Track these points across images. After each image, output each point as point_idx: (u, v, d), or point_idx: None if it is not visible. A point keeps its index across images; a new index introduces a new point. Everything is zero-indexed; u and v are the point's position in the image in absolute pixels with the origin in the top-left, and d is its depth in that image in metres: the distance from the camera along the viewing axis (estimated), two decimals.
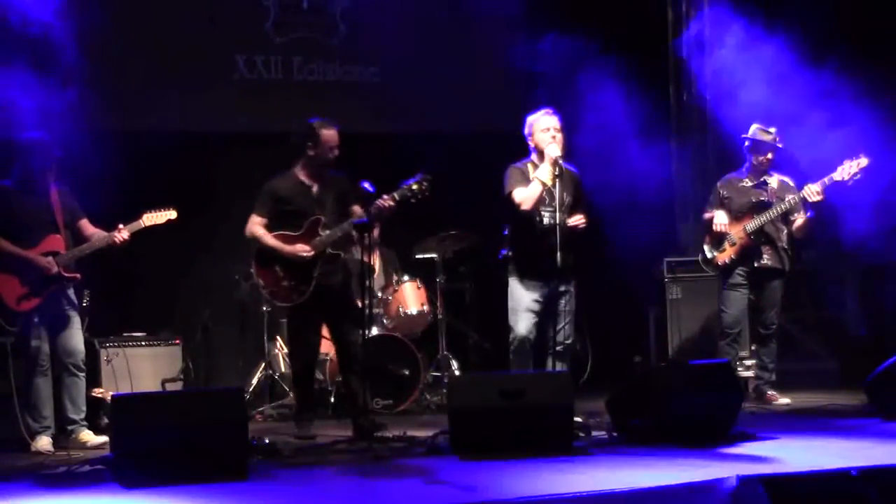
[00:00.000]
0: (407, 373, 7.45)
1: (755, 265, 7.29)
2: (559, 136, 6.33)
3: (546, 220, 6.31)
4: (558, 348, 6.38)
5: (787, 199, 7.15)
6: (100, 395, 6.77)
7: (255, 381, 7.72)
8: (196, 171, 8.24)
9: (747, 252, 7.27)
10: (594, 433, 5.80)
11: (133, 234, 6.29)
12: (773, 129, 7.31)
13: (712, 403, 5.64)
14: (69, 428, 6.22)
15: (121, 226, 6.27)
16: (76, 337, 6.24)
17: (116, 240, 6.24)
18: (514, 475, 4.79)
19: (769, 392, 7.32)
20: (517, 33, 9.30)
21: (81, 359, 6.25)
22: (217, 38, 8.71)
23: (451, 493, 4.58)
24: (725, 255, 7.32)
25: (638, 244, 8.88)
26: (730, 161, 7.92)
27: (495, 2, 9.25)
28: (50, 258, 6.10)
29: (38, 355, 6.09)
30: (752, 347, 7.64)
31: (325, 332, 7.63)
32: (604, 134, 8.78)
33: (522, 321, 6.37)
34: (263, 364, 7.74)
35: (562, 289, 6.35)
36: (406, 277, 7.88)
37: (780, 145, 7.29)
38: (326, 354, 7.58)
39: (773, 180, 7.32)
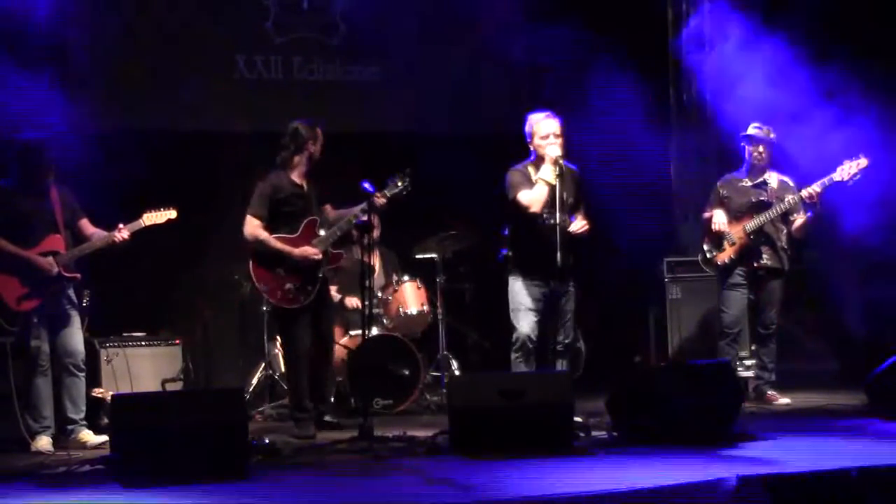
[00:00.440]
0: (407, 373, 7.45)
1: (754, 265, 7.28)
2: (559, 140, 6.33)
3: (547, 221, 6.31)
4: (559, 348, 6.39)
5: (786, 199, 7.15)
6: (100, 395, 6.77)
7: (255, 381, 7.72)
8: (196, 171, 8.24)
9: (747, 252, 7.27)
10: (594, 433, 5.80)
11: (133, 234, 6.29)
12: (766, 128, 7.30)
13: (712, 403, 5.64)
14: (69, 428, 6.22)
15: (121, 225, 6.27)
16: (76, 337, 6.23)
17: (117, 239, 6.24)
18: (514, 475, 4.79)
19: (769, 392, 7.32)
20: (517, 33, 9.30)
21: (81, 359, 6.25)
22: (217, 37, 8.70)
23: (451, 493, 4.58)
24: (725, 255, 7.32)
25: (638, 244, 8.88)
26: (730, 161, 7.92)
27: (495, 2, 9.26)
28: (50, 258, 6.10)
29: (38, 355, 6.09)
30: (752, 347, 7.64)
31: None
32: (604, 134, 8.80)
33: (524, 320, 6.37)
34: (263, 364, 7.74)
35: (562, 289, 6.36)
36: (406, 277, 7.88)
37: (772, 136, 7.27)
38: None
39: (773, 180, 7.32)
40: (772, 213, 7.18)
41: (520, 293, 6.40)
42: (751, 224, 7.21)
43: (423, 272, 8.01)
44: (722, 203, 7.40)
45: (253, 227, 6.39)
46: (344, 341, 7.59)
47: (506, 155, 6.60)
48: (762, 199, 7.27)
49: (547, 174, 6.27)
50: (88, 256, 6.26)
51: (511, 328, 6.46)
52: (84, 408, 6.28)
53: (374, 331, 7.48)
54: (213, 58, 8.74)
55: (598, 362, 8.09)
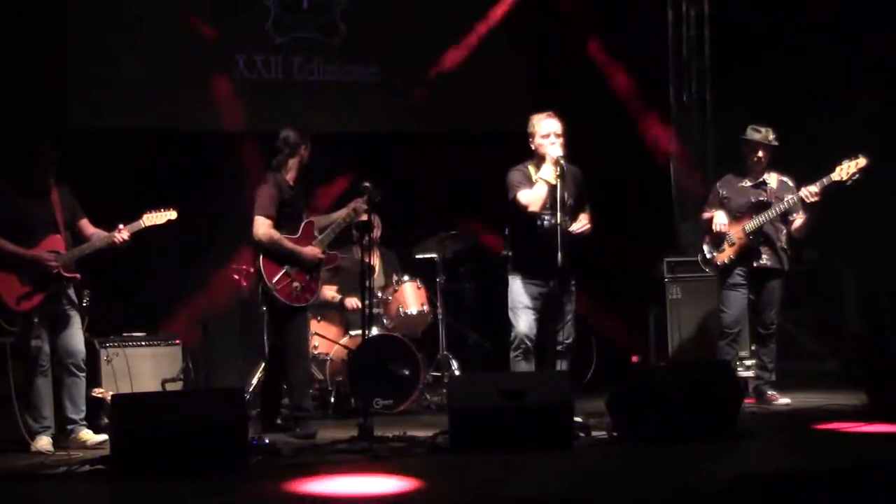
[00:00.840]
0: (407, 373, 7.45)
1: (754, 265, 7.28)
2: (560, 140, 6.33)
3: (547, 221, 6.31)
4: (559, 348, 6.38)
5: (786, 199, 7.14)
6: (100, 395, 6.76)
7: (254, 381, 7.72)
8: (196, 171, 8.24)
9: (746, 252, 7.26)
10: (594, 433, 5.80)
11: (133, 234, 6.29)
12: (764, 129, 7.29)
13: (712, 403, 5.64)
14: (69, 428, 6.21)
15: (121, 226, 6.26)
16: (76, 337, 6.23)
17: (117, 240, 6.23)
18: (514, 475, 4.79)
19: (769, 392, 7.32)
20: (517, 33, 9.31)
21: (82, 359, 6.25)
22: (217, 37, 8.70)
23: (450, 493, 4.58)
24: (725, 255, 7.32)
25: (638, 244, 8.88)
26: (729, 161, 7.92)
27: (495, 2, 9.27)
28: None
29: (38, 355, 6.08)
30: (752, 347, 7.64)
31: (325, 332, 7.68)
32: (604, 133, 8.80)
33: (522, 319, 6.38)
34: (263, 364, 7.73)
35: (562, 288, 6.36)
36: (406, 277, 7.88)
37: (772, 142, 7.25)
38: (327, 355, 7.59)
39: (773, 180, 7.31)
40: (771, 213, 7.17)
41: (518, 292, 6.41)
42: (750, 224, 7.20)
43: (423, 272, 8.01)
44: (721, 203, 7.39)
45: (267, 227, 6.40)
46: (344, 341, 7.59)
47: (507, 155, 6.59)
48: (761, 199, 7.26)
49: (547, 174, 6.27)
50: (88, 256, 6.26)
51: (510, 328, 6.47)
52: (84, 408, 6.28)
53: (374, 331, 7.49)
54: (214, 58, 8.74)
55: (599, 362, 8.10)
